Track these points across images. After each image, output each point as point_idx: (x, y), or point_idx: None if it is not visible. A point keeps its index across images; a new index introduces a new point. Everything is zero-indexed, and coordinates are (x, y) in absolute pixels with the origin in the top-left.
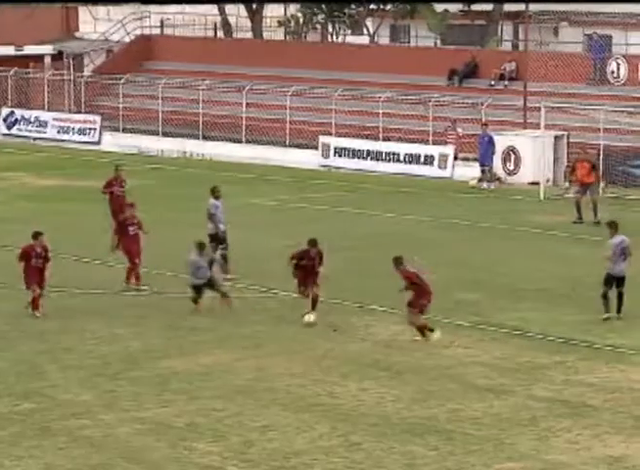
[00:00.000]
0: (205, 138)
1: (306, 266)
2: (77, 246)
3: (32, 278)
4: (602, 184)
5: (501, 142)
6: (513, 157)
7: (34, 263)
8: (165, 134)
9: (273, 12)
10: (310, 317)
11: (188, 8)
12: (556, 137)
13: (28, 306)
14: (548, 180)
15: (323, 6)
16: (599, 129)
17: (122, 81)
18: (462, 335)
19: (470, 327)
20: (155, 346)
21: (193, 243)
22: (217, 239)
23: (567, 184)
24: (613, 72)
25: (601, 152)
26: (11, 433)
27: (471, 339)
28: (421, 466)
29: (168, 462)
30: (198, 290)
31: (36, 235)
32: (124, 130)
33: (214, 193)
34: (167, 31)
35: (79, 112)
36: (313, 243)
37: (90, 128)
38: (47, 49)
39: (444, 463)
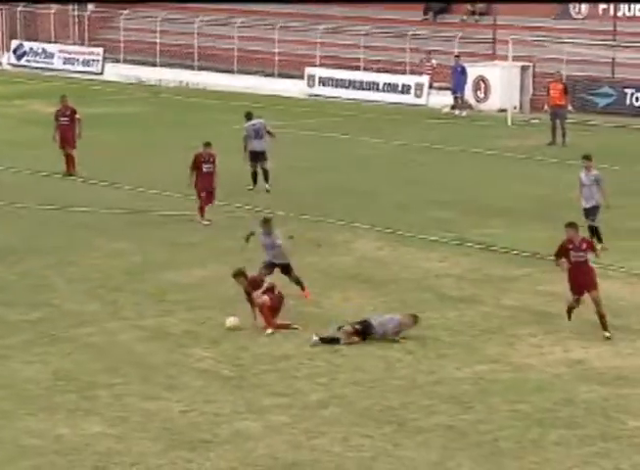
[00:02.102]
0: (200, 69)
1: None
2: (84, 168)
3: (202, 184)
4: (570, 108)
5: (472, 72)
6: (483, 86)
7: (205, 169)
8: (163, 65)
9: None
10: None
11: None
12: (522, 68)
13: (197, 216)
14: (515, 107)
15: None
16: (562, 60)
17: (124, 16)
18: (436, 249)
19: (443, 242)
20: (154, 260)
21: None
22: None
23: None
24: (575, 8)
25: (564, 81)
26: (21, 340)
27: (444, 253)
28: (398, 369)
29: (167, 366)
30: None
31: (207, 144)
32: (125, 61)
33: (248, 116)
34: None
35: (83, 44)
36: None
37: (93, 60)
38: None
39: (419, 366)
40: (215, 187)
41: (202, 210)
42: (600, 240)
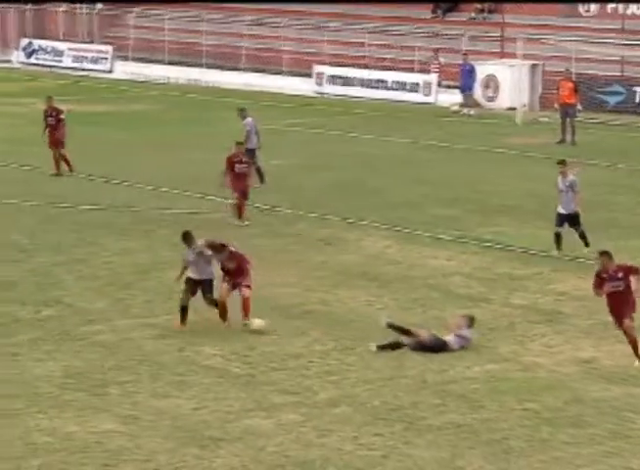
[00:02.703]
0: (208, 66)
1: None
2: (93, 166)
3: (235, 185)
4: (579, 106)
5: (481, 71)
6: (492, 84)
7: (238, 170)
8: (172, 63)
9: None
10: None
11: None
12: (532, 66)
13: (230, 212)
14: (524, 106)
15: None
16: (571, 59)
17: (133, 14)
18: (444, 247)
19: (450, 240)
20: (163, 258)
21: None
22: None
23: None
24: (584, 6)
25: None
26: (31, 338)
27: (451, 251)
28: (408, 368)
29: (177, 364)
30: None
31: (239, 144)
32: (134, 59)
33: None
34: None
35: (93, 42)
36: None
37: (103, 58)
38: None
39: (429, 365)
40: (249, 187)
41: (240, 211)
42: (587, 244)
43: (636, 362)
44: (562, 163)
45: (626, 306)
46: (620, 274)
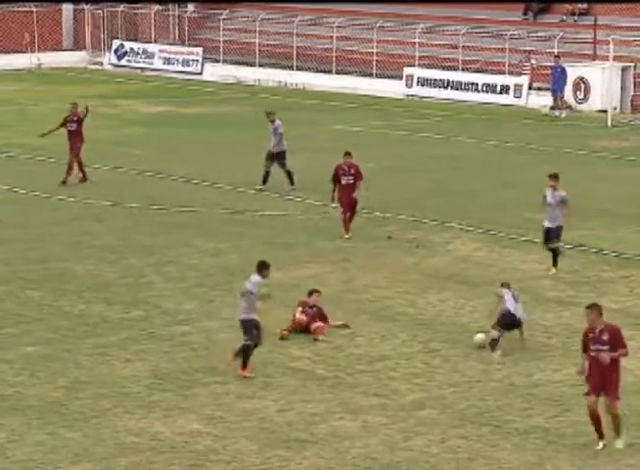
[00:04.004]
0: (298, 69)
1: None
2: (185, 167)
3: (342, 197)
4: None
5: (572, 73)
6: (583, 86)
7: (345, 181)
8: (262, 65)
9: None
10: None
11: None
12: (623, 68)
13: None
14: (615, 108)
15: None
16: None
17: (223, 16)
18: (533, 251)
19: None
20: (252, 259)
21: None
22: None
23: None
24: None
25: None
26: (121, 338)
27: (541, 255)
28: (495, 371)
29: (264, 366)
30: None
31: (347, 154)
32: (224, 61)
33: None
34: None
35: (183, 44)
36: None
37: (193, 60)
38: None
39: (516, 368)
40: (356, 200)
41: (345, 223)
42: (555, 264)
43: (618, 443)
44: (553, 176)
45: (607, 379)
46: (606, 337)
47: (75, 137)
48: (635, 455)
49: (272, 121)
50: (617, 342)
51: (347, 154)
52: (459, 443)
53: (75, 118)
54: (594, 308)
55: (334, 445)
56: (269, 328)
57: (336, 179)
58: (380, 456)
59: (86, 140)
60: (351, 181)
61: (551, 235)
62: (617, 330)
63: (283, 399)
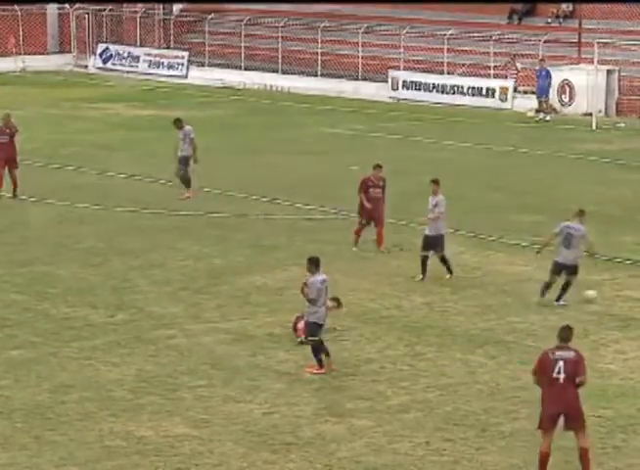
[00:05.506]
0: (284, 72)
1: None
2: (169, 171)
3: (366, 211)
4: None
5: (557, 76)
6: (568, 89)
7: (372, 194)
8: (247, 68)
9: None
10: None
11: None
12: (608, 71)
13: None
14: (600, 111)
15: None
16: None
17: (208, 20)
18: (520, 254)
19: (526, 247)
20: (236, 263)
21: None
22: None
23: None
24: None
25: None
26: (105, 341)
27: (527, 257)
28: (480, 374)
29: (249, 369)
30: None
31: (377, 167)
32: (210, 65)
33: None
34: None
35: (168, 47)
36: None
37: (178, 63)
38: None
39: (502, 371)
40: (382, 214)
41: (357, 234)
42: (450, 271)
43: None
44: (434, 182)
45: (570, 407)
46: (569, 367)
47: (6, 149)
48: (621, 458)
49: (180, 128)
50: (577, 372)
51: (378, 166)
52: (444, 445)
53: (7, 131)
54: (564, 332)
55: (320, 448)
56: (251, 331)
57: (363, 191)
58: (365, 459)
59: (72, 143)
60: (379, 195)
61: (433, 244)
62: (582, 361)
63: (269, 403)
